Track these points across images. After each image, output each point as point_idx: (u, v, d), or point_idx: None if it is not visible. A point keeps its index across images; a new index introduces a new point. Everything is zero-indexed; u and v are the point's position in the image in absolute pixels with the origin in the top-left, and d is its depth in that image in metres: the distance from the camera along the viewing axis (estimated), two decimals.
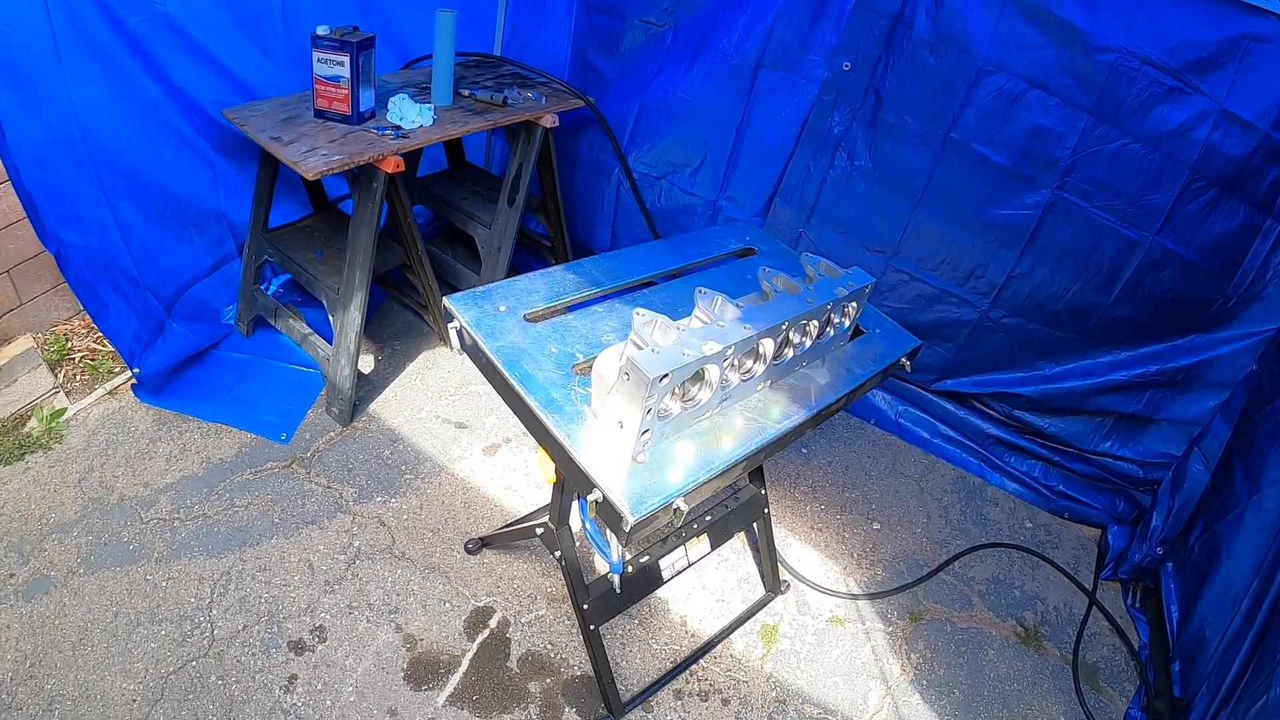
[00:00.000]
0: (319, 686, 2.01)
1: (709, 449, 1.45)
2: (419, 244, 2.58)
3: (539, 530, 2.00)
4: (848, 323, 1.77)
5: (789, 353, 1.62)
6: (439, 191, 3.04)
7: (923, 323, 2.76)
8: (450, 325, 1.61)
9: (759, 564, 2.44)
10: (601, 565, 2.33)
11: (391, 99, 2.43)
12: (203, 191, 2.51)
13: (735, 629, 2.29)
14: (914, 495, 2.82)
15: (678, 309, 1.77)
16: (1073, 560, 2.71)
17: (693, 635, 2.27)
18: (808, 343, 1.65)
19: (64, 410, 2.37)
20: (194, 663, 2.00)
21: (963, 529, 2.73)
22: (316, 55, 2.24)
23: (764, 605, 2.37)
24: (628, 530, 1.29)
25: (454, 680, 2.08)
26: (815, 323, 1.62)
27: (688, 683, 2.17)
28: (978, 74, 2.28)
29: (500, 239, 2.88)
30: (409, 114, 2.39)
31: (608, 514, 1.34)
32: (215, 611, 2.11)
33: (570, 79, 3.04)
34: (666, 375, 1.27)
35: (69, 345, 2.58)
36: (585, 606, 1.94)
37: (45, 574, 2.10)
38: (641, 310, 1.39)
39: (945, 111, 2.38)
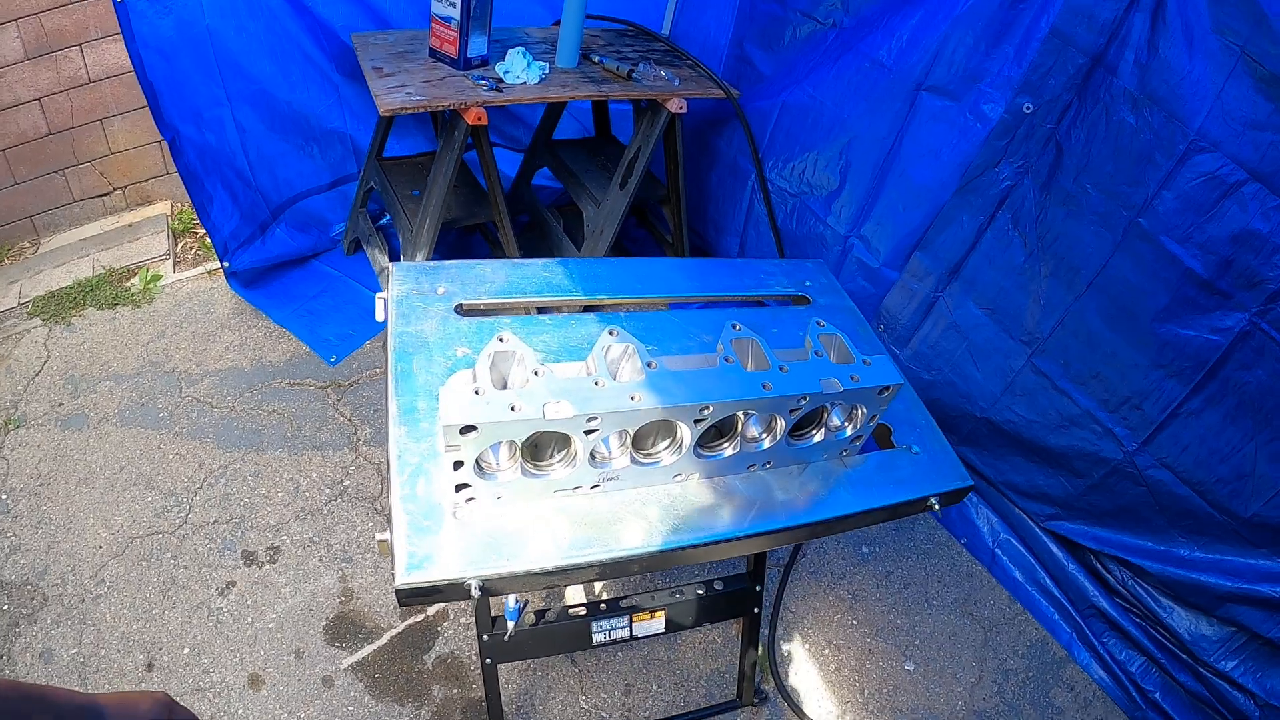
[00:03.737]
0: (249, 601, 2.03)
1: (555, 538, 1.14)
2: (502, 203, 2.48)
3: None
4: (850, 430, 1.32)
5: (726, 449, 1.24)
6: (565, 157, 2.92)
7: (1052, 445, 2.17)
8: (379, 295, 1.46)
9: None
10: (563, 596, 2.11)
11: (511, 50, 2.33)
12: (327, 112, 2.60)
13: None
14: (973, 646, 2.24)
15: (646, 347, 1.46)
16: None
17: (628, 711, 1.98)
18: (767, 441, 1.25)
19: (161, 277, 2.60)
20: (160, 535, 2.10)
21: (1015, 707, 2.12)
22: None
23: (724, 710, 2.01)
24: (395, 590, 1.07)
25: (366, 650, 1.99)
26: (781, 420, 1.22)
27: None
28: (1187, 148, 1.68)
29: (605, 221, 2.70)
30: (515, 68, 2.27)
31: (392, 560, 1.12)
32: (199, 498, 2.20)
33: (725, 69, 2.76)
34: (474, 429, 1.01)
35: (197, 221, 2.84)
36: (485, 638, 1.73)
37: (85, 413, 2.32)
38: (506, 334, 1.13)
39: (1137, 188, 1.79)
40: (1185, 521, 1.96)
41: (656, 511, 1.21)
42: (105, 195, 2.83)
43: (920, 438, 1.48)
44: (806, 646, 2.19)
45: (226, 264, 2.55)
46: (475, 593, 1.07)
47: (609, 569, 1.16)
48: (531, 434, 1.06)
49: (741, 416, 1.20)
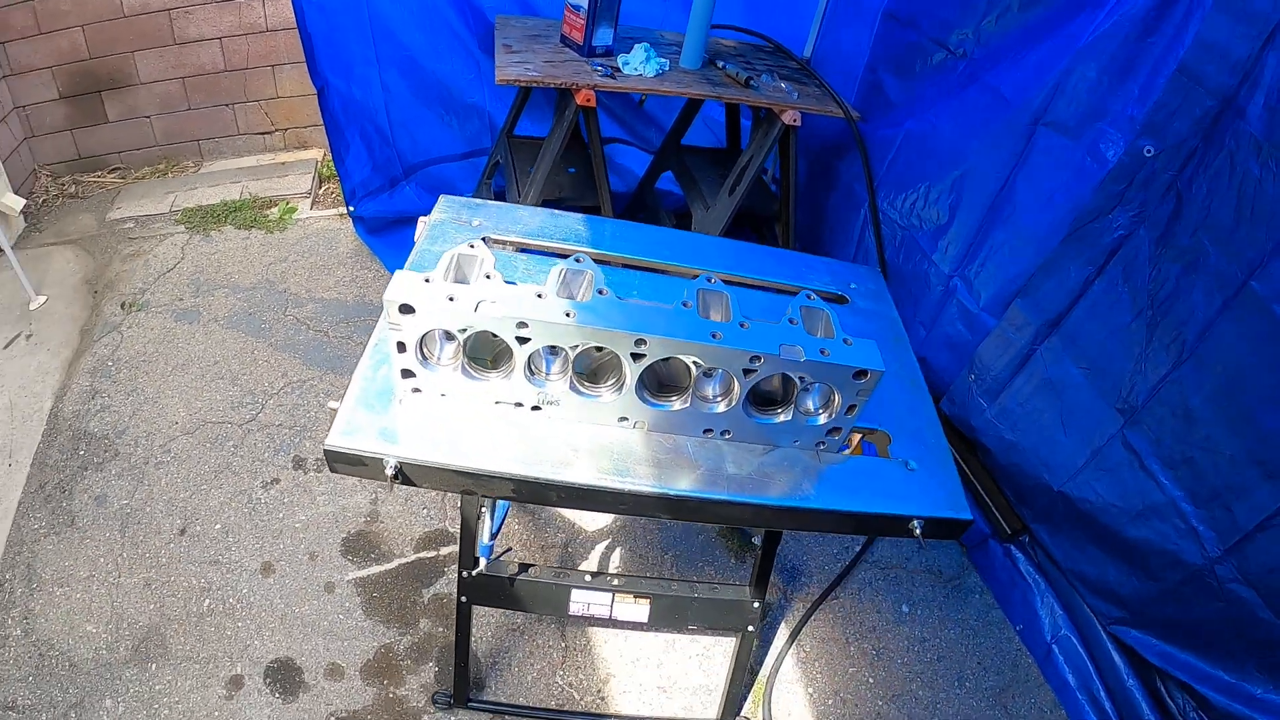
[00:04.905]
0: (286, 500, 2.17)
1: (485, 446, 1.15)
2: (605, 185, 2.56)
3: None
4: (824, 419, 1.22)
5: (676, 403, 1.20)
6: (689, 163, 2.97)
7: (1130, 537, 1.90)
8: (421, 219, 1.56)
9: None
10: (539, 543, 2.10)
11: (637, 45, 2.43)
12: (468, 87, 2.81)
13: None
14: None
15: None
16: None
17: (601, 699, 1.92)
18: (721, 405, 1.19)
19: (296, 210, 2.89)
20: (229, 425, 2.31)
21: None
22: None
23: None
24: (324, 449, 1.12)
25: (373, 570, 2.07)
26: (738, 383, 1.16)
27: None
28: None
29: (710, 225, 2.71)
30: (634, 60, 2.36)
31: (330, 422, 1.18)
32: (272, 402, 2.40)
33: (857, 94, 2.71)
34: (411, 311, 1.05)
35: None
36: (464, 574, 1.75)
37: (199, 311, 2.61)
38: (477, 242, 1.17)
39: (1253, 247, 1.56)
40: (1264, 653, 1.64)
41: (595, 448, 1.19)
42: (266, 133, 3.23)
43: (923, 455, 1.35)
44: (811, 691, 2.02)
45: (351, 209, 2.80)
46: (389, 470, 1.10)
47: (525, 488, 1.15)
48: (475, 334, 1.09)
49: (692, 368, 1.15)
